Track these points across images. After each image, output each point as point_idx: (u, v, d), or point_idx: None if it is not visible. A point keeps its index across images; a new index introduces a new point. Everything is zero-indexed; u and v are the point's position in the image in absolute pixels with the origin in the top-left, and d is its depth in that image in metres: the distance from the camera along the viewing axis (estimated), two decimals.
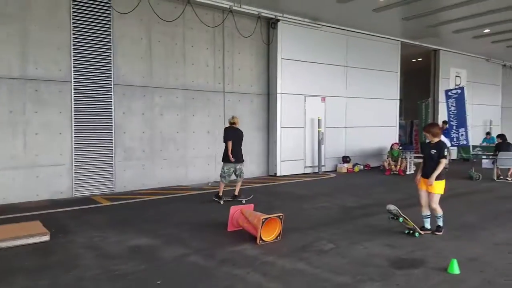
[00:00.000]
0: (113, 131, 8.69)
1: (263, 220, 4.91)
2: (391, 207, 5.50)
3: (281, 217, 5.11)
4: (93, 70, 8.35)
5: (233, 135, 7.55)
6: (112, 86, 8.60)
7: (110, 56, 8.52)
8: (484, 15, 11.23)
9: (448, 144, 11.54)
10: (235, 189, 7.77)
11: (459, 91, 11.72)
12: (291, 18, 11.17)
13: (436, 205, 5.33)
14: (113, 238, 5.30)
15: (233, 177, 7.84)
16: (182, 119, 9.78)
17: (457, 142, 11.84)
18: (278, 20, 10.97)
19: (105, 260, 4.46)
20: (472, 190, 9.05)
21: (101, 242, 5.13)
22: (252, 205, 5.80)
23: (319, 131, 12.21)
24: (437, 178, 5.22)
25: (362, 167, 13.18)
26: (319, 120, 12.18)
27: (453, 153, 15.61)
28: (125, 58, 8.78)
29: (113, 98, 8.64)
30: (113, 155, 8.72)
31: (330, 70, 12.62)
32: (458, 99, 11.68)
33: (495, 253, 4.55)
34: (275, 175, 11.42)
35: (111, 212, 7.00)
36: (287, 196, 8.52)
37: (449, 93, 11.97)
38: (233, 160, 7.44)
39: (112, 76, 8.59)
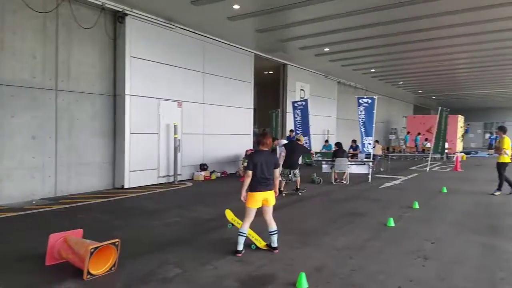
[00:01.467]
0: None
1: (92, 250, 3.93)
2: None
3: (116, 243, 4.20)
4: None
5: (289, 148, 9.69)
6: None
7: None
8: (325, 34, 12.45)
9: None
10: (296, 185, 9.82)
11: (303, 103, 12.67)
12: (142, 15, 10.21)
13: (244, 218, 4.88)
14: None
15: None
16: None
17: None
18: (126, 14, 9.86)
19: None
20: (314, 193, 9.71)
21: None
22: (81, 230, 4.69)
23: (175, 138, 11.53)
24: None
25: (219, 174, 13.03)
26: (175, 126, 11.52)
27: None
28: None
29: None
30: None
31: (187, 74, 12.11)
32: (302, 110, 12.62)
33: (338, 260, 4.63)
34: (122, 187, 10.18)
35: None
36: (134, 212, 7.50)
37: (295, 105, 12.85)
38: (282, 167, 9.37)
39: None
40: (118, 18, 9.94)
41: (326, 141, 18.42)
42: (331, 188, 10.65)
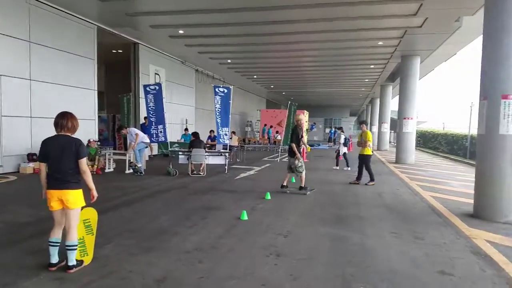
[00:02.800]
0: None
1: None
2: None
3: None
4: None
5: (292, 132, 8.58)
6: None
7: None
8: (178, 14, 11.58)
9: (147, 139, 11.25)
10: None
11: (157, 87, 11.61)
12: None
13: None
14: None
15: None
16: None
17: (157, 138, 11.70)
18: None
19: None
20: (168, 187, 8.88)
21: None
22: None
23: None
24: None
25: None
26: None
27: (155, 149, 15.88)
28: None
29: None
30: None
31: (7, 42, 9.73)
32: (156, 95, 11.55)
33: (185, 265, 3.97)
34: None
35: None
36: None
37: (148, 89, 11.68)
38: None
39: None
40: None
41: (186, 129, 17.66)
42: (187, 180, 9.97)
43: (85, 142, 11.63)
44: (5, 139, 9.73)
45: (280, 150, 18.04)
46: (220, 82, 24.34)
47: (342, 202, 7.67)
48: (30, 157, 10.41)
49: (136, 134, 10.76)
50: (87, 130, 12.57)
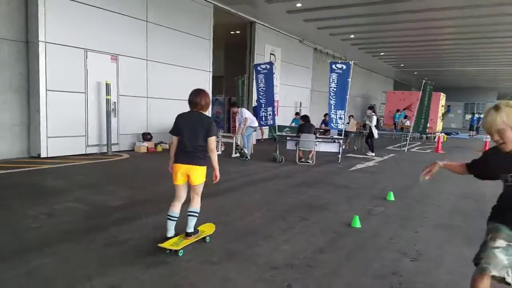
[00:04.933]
0: None
1: None
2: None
3: None
4: None
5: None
6: None
7: None
8: None
9: (255, 123, 10.59)
10: None
11: (268, 66, 10.76)
12: None
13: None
14: None
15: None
16: None
17: (265, 121, 10.94)
18: None
19: None
20: (271, 175, 7.98)
21: None
22: None
23: (107, 99, 9.55)
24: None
25: (167, 146, 11.21)
26: (107, 85, 9.50)
27: (266, 132, 15.38)
28: None
29: None
30: None
31: (125, 22, 9.99)
32: (267, 75, 10.72)
33: None
34: (38, 156, 8.33)
35: None
36: (20, 191, 5.72)
37: (259, 68, 10.93)
38: None
39: None
40: None
41: (297, 113, 16.65)
42: (293, 169, 8.93)
43: None
44: (122, 118, 10.14)
45: (408, 138, 15.53)
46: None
47: None
48: (145, 137, 10.67)
49: (246, 118, 10.15)
50: None
